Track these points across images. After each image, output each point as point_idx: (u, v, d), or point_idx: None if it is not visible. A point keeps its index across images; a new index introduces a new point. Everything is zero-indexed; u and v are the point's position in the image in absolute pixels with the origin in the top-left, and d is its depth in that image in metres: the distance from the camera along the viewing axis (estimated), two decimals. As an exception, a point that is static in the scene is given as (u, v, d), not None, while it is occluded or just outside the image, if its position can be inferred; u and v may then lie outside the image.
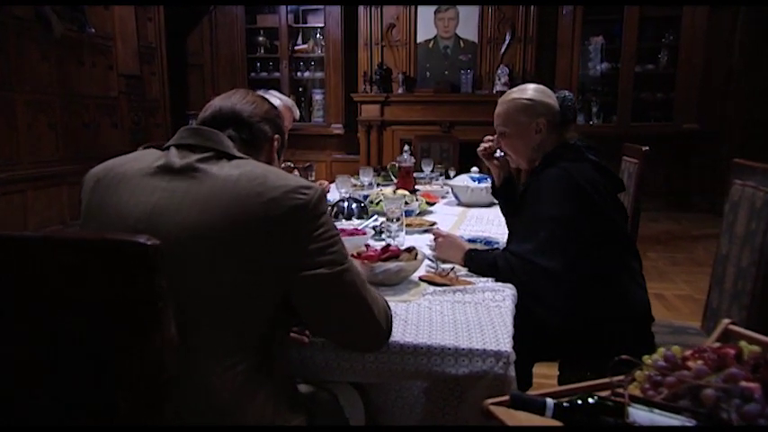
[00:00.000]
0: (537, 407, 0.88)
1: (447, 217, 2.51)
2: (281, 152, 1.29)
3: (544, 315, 1.55)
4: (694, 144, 5.86)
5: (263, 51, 6.53)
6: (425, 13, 5.93)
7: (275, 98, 2.73)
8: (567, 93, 1.75)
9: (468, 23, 5.90)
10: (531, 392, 1.06)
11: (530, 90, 1.72)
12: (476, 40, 5.91)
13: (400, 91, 5.98)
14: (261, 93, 2.74)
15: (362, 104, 6.02)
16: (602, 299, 1.59)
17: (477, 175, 2.84)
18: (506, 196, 1.96)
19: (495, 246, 1.85)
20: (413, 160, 2.90)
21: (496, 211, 2.66)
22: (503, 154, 1.92)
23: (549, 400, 0.90)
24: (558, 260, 1.52)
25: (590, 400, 0.90)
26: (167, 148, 1.09)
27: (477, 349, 1.18)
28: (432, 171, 3.49)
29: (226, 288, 0.97)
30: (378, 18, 5.95)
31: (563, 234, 1.53)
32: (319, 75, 6.46)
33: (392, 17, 5.97)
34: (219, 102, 1.19)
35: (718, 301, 1.73)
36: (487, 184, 2.79)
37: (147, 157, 1.08)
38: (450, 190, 3.04)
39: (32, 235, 0.66)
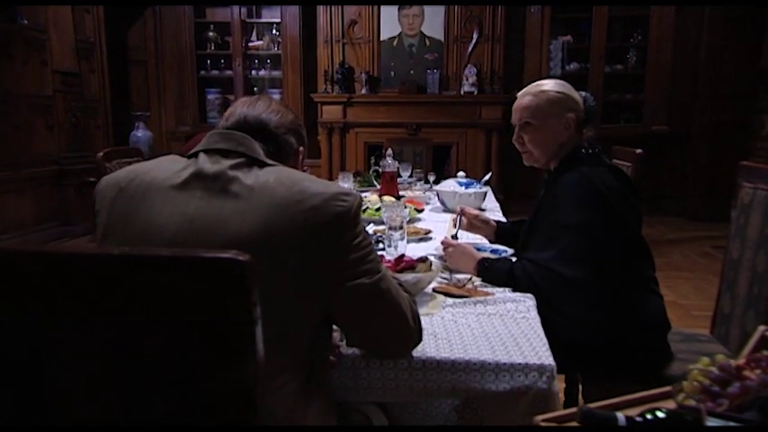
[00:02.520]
0: (609, 423, 0.89)
1: (438, 224, 2.52)
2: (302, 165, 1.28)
3: (564, 326, 1.58)
4: (664, 146, 6.10)
5: (213, 47, 6.42)
6: (389, 10, 5.97)
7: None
8: (586, 93, 1.80)
9: (433, 21, 5.97)
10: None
11: (555, 84, 1.76)
12: (442, 39, 5.98)
13: (363, 91, 5.99)
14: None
15: (323, 105, 6.00)
16: (622, 308, 1.63)
17: (465, 180, 2.88)
18: (508, 240, 2.00)
19: (504, 254, 1.87)
20: (396, 165, 2.91)
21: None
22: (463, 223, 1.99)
23: (621, 416, 0.91)
24: (580, 269, 1.55)
25: (660, 415, 0.92)
26: (194, 155, 1.07)
27: (519, 363, 1.19)
28: (410, 176, 3.50)
29: (270, 303, 0.95)
30: (338, 14, 5.95)
31: (584, 242, 1.56)
32: (276, 73, 6.40)
33: (354, 13, 5.97)
34: (244, 110, 1.16)
35: (730, 306, 1.80)
36: (476, 189, 2.83)
37: (172, 165, 1.06)
38: (432, 195, 3.07)
39: (110, 253, 0.63)
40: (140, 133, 5.30)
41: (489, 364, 1.19)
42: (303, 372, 1.02)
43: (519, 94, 1.83)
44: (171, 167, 1.06)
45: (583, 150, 1.71)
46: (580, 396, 1.90)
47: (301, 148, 1.23)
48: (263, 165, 1.07)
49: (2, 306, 0.65)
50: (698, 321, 2.81)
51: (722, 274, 1.89)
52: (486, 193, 2.90)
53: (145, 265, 0.64)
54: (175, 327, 0.65)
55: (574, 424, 0.95)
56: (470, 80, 5.89)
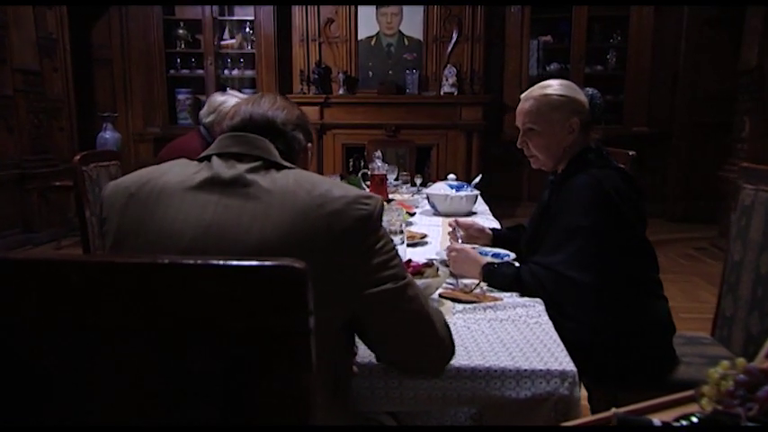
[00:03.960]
0: (647, 429, 0.91)
1: (432, 228, 2.53)
2: (310, 162, 1.27)
3: (572, 330, 1.59)
4: (644, 147, 6.23)
5: (183, 46, 6.35)
6: (367, 8, 5.98)
7: (235, 98, 2.68)
8: (593, 90, 1.79)
9: (412, 20, 6.00)
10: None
11: (559, 85, 1.76)
12: (421, 38, 6.02)
13: (341, 92, 5.99)
14: (218, 94, 2.69)
15: (299, 106, 5.93)
16: (631, 312, 1.66)
17: (455, 183, 2.89)
18: (506, 246, 2.02)
19: (506, 258, 1.88)
20: (386, 167, 2.91)
21: (479, 220, 2.72)
22: (460, 235, 2.02)
23: (657, 421, 0.93)
24: (590, 273, 1.57)
25: (694, 419, 0.94)
26: (206, 159, 1.06)
27: (541, 370, 1.20)
28: (396, 179, 3.51)
29: None
30: (315, 12, 5.94)
31: (594, 245, 1.58)
32: (249, 73, 6.35)
33: (330, 11, 5.97)
34: (249, 108, 1.15)
35: (732, 309, 1.85)
36: (467, 191, 2.85)
37: (184, 169, 1.05)
38: (422, 199, 3.08)
39: (158, 262, 0.62)
40: (108, 135, 5.20)
41: (510, 370, 1.20)
42: (330, 387, 1.01)
43: (522, 96, 1.84)
44: (183, 171, 1.04)
45: (591, 152, 1.73)
46: (586, 401, 1.92)
47: (309, 145, 1.21)
48: (279, 167, 1.06)
49: (44, 318, 0.64)
50: (687, 324, 2.86)
51: (723, 277, 1.94)
52: (476, 196, 2.92)
53: (196, 273, 0.63)
54: (227, 337, 0.64)
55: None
56: (450, 80, 5.93)
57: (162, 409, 0.66)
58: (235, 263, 0.64)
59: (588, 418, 1.06)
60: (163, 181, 1.03)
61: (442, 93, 5.94)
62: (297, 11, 5.95)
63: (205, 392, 0.65)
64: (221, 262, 0.63)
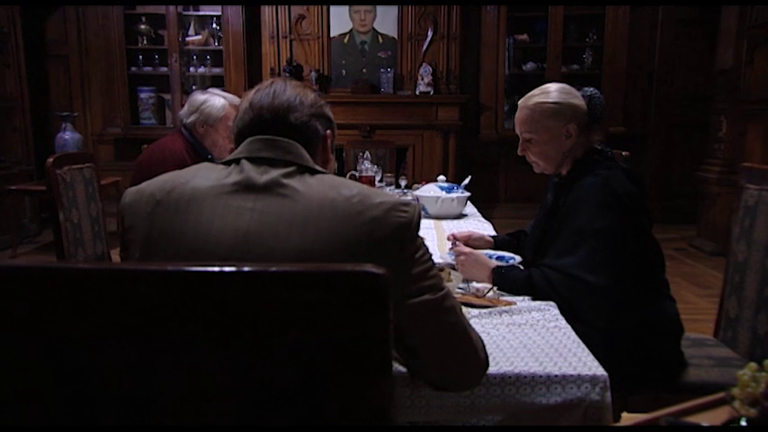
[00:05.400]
0: (698, 430, 0.92)
1: (425, 231, 2.53)
2: (333, 150, 1.26)
3: (584, 333, 1.61)
4: (621, 148, 6.36)
5: (146, 42, 6.22)
6: (339, 5, 5.96)
7: (218, 97, 2.65)
8: (593, 90, 1.82)
9: (386, 17, 6.01)
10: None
11: (554, 91, 1.79)
12: (395, 36, 6.03)
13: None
14: (199, 93, 2.65)
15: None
16: (643, 314, 1.69)
17: (446, 185, 2.91)
18: (513, 251, 2.04)
19: (512, 261, 1.90)
20: (375, 169, 2.91)
21: (470, 222, 2.75)
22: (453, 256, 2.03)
23: (704, 424, 0.95)
24: (603, 275, 1.60)
25: (743, 424, 0.96)
26: (235, 162, 1.04)
27: (571, 375, 1.21)
28: (380, 180, 3.50)
29: None
30: (285, 8, 5.90)
31: (607, 247, 1.61)
32: (217, 71, 6.26)
33: (302, 7, 5.93)
34: (257, 100, 1.12)
35: (737, 309, 1.90)
36: (458, 193, 2.87)
37: (211, 173, 1.03)
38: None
39: (238, 270, 0.60)
40: (68, 136, 5.05)
41: (540, 376, 1.21)
42: None
43: (519, 104, 1.87)
44: (212, 176, 1.03)
45: (596, 153, 1.76)
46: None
47: (329, 132, 1.20)
48: (313, 172, 1.05)
49: (113, 329, 0.62)
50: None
51: (726, 277, 1.99)
52: (467, 198, 2.94)
53: (273, 281, 0.62)
54: (304, 345, 0.63)
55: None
56: (426, 80, 5.96)
57: (236, 420, 0.64)
58: (314, 269, 0.63)
59: (634, 419, 1.08)
60: (191, 187, 1.01)
61: (417, 92, 5.96)
62: (266, 7, 5.89)
63: (281, 402, 0.64)
64: (300, 269, 0.63)
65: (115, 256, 2.86)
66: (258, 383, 0.64)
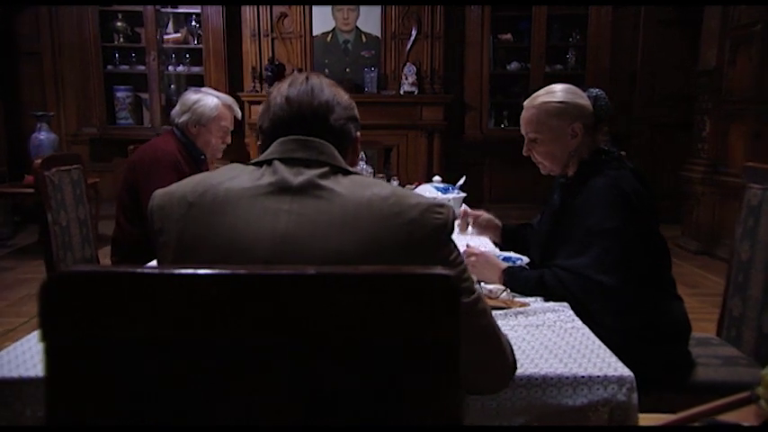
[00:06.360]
0: (740, 430, 0.94)
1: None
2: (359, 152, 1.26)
3: (598, 334, 1.64)
4: (604, 148, 6.45)
5: (122, 39, 6.13)
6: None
7: (211, 96, 2.63)
8: (598, 91, 1.84)
9: (369, 16, 6.01)
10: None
11: (560, 91, 1.81)
12: (379, 35, 6.03)
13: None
14: (192, 92, 2.62)
15: (252, 105, 5.87)
16: (654, 313, 1.72)
17: (441, 185, 2.92)
18: (516, 243, 2.05)
19: (519, 262, 1.91)
20: (370, 170, 2.91)
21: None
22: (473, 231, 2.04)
23: (744, 424, 0.96)
24: (615, 275, 1.61)
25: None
26: (266, 163, 1.03)
27: (598, 376, 1.22)
28: (371, 181, 3.50)
29: None
30: (266, 6, 5.86)
31: (619, 247, 1.63)
32: (196, 70, 6.20)
33: (284, 5, 5.90)
34: (294, 96, 1.10)
35: (741, 309, 1.94)
36: (454, 194, 2.88)
37: (243, 174, 1.02)
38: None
39: (305, 273, 0.60)
40: (43, 136, 4.95)
41: (567, 378, 1.22)
42: None
43: (525, 104, 1.88)
44: (245, 177, 1.02)
45: (603, 153, 1.78)
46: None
47: (359, 134, 1.20)
48: (346, 173, 1.05)
49: (181, 332, 0.61)
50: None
51: (729, 277, 2.03)
52: (462, 199, 2.95)
53: (343, 283, 0.62)
54: (374, 350, 0.63)
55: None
56: (410, 79, 5.97)
57: (302, 424, 0.64)
58: (386, 271, 0.63)
59: (655, 419, 1.10)
60: (224, 188, 1.00)
61: (401, 92, 5.96)
62: (247, 5, 5.85)
63: (349, 407, 0.64)
64: (371, 271, 0.62)
65: (104, 259, 2.81)
66: (325, 388, 0.64)
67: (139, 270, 0.61)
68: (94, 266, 0.61)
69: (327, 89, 1.13)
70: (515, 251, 2.04)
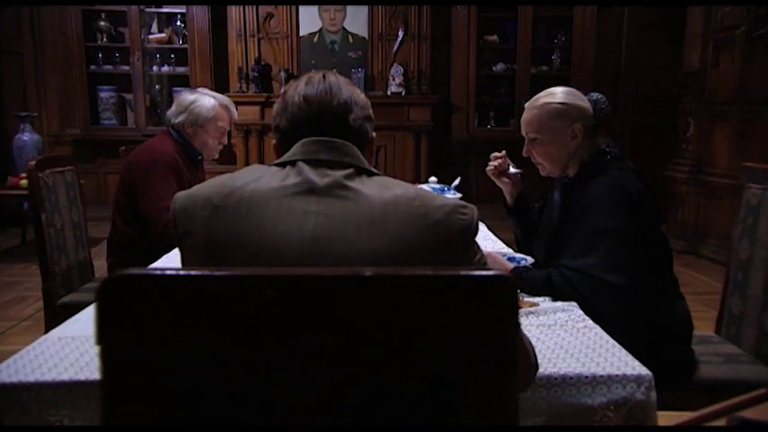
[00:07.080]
0: None
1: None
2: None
3: (607, 332, 1.65)
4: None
5: (106, 39, 6.06)
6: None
7: (208, 97, 2.60)
8: (599, 95, 1.87)
9: (356, 17, 6.01)
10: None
11: (561, 93, 1.83)
12: (366, 36, 6.03)
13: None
14: (188, 93, 2.60)
15: (238, 106, 5.79)
16: (660, 312, 1.74)
17: (438, 186, 2.91)
18: (522, 214, 2.06)
19: (523, 263, 1.92)
20: (367, 170, 2.90)
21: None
22: (518, 171, 2.04)
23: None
24: (622, 275, 1.63)
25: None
26: (290, 164, 1.02)
27: (617, 375, 1.23)
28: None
29: None
30: (252, 6, 5.83)
31: (624, 247, 1.65)
32: (181, 70, 6.14)
33: (270, 5, 5.88)
34: (312, 95, 1.10)
35: (740, 307, 1.96)
36: (450, 194, 2.88)
37: (267, 175, 1.02)
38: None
39: (361, 274, 0.60)
40: (26, 137, 4.87)
41: (586, 377, 1.23)
42: None
43: (526, 106, 1.90)
44: (269, 179, 1.01)
45: (605, 154, 1.80)
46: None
47: (374, 134, 1.19)
48: (370, 174, 1.05)
49: (241, 333, 0.60)
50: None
51: (728, 275, 2.06)
52: (459, 199, 2.95)
53: (402, 285, 0.62)
54: (433, 351, 0.63)
55: None
56: (397, 80, 5.98)
57: (362, 424, 0.64)
58: (445, 273, 0.63)
59: (673, 417, 1.11)
60: (250, 189, 0.99)
61: (389, 93, 5.97)
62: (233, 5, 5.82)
63: (407, 408, 0.64)
64: (431, 272, 0.62)
65: (97, 261, 2.78)
66: (384, 389, 0.64)
67: (196, 272, 0.61)
68: (151, 269, 0.60)
69: (345, 88, 1.13)
70: (520, 218, 2.10)
